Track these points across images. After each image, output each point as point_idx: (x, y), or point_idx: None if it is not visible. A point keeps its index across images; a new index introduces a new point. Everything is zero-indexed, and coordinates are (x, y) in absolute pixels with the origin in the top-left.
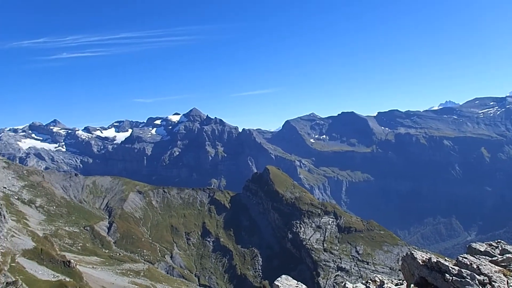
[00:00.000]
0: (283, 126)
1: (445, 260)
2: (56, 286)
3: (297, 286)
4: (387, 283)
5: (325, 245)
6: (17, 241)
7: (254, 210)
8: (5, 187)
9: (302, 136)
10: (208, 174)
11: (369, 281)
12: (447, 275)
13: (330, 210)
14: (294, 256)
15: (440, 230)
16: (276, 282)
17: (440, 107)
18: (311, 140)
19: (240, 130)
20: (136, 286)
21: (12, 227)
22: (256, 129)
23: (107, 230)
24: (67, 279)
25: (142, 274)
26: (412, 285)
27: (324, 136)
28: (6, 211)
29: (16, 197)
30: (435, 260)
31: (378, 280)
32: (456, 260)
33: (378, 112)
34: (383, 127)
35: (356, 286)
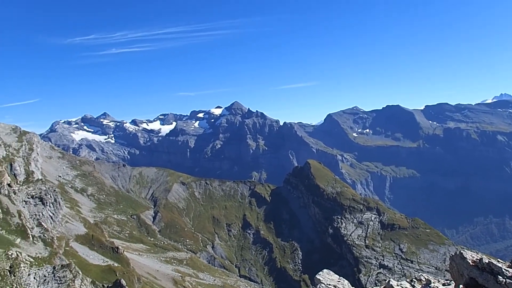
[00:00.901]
0: (325, 119)
1: (498, 261)
2: (106, 270)
3: (339, 281)
4: (433, 283)
5: (367, 241)
6: (70, 227)
7: (294, 204)
8: (60, 176)
9: (345, 130)
10: (249, 167)
11: (414, 280)
12: (500, 277)
13: (373, 206)
14: (335, 251)
15: (491, 231)
16: (317, 276)
17: (494, 100)
18: (354, 134)
19: (281, 123)
20: (179, 274)
21: (66, 214)
22: (297, 123)
23: (152, 219)
24: (116, 265)
25: (184, 262)
26: (460, 286)
27: (367, 130)
28: (61, 198)
29: (69, 186)
30: (487, 261)
31: (424, 279)
32: (511, 262)
33: (425, 106)
34: (430, 121)
35: (401, 284)
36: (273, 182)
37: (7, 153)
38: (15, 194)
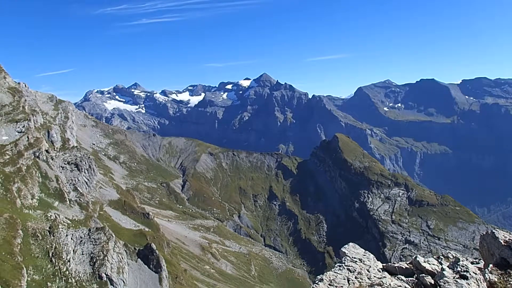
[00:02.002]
0: (355, 93)
1: None
2: (137, 234)
3: (364, 255)
4: (462, 260)
5: (393, 217)
6: (104, 192)
7: (321, 177)
8: (94, 144)
9: (375, 104)
10: (276, 139)
11: (441, 256)
12: None
13: (401, 181)
14: (360, 225)
15: None
16: (343, 249)
17: None
18: (385, 109)
19: (310, 96)
20: (207, 241)
21: (100, 180)
22: (327, 96)
23: (181, 188)
24: (146, 229)
25: (212, 230)
26: (490, 266)
27: (399, 105)
28: (95, 165)
29: (103, 153)
30: None
31: (452, 257)
32: None
33: (462, 80)
34: (467, 96)
35: (428, 260)
36: (300, 155)
37: (45, 120)
38: (52, 160)
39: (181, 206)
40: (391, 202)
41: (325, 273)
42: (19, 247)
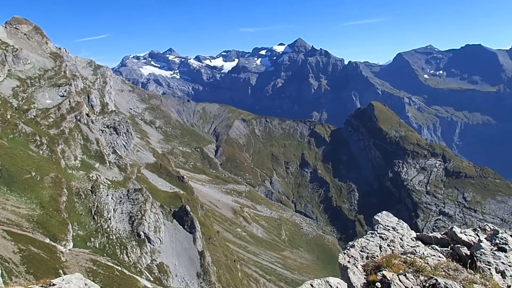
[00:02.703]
0: (394, 59)
1: None
2: (173, 196)
3: (398, 224)
4: (501, 233)
5: (428, 187)
6: (141, 155)
7: (354, 146)
8: (131, 108)
9: (415, 71)
10: (310, 106)
11: (478, 229)
12: None
13: (439, 152)
14: (393, 195)
15: None
16: (376, 217)
17: None
18: (425, 76)
19: (346, 62)
20: (239, 205)
21: (137, 144)
22: (363, 62)
23: (214, 153)
24: (181, 192)
25: (244, 195)
26: None
27: (440, 72)
28: (132, 129)
29: (139, 118)
30: None
31: (490, 229)
32: None
33: None
34: None
35: (465, 231)
36: (334, 123)
37: (84, 85)
38: (92, 123)
39: (214, 171)
40: (426, 173)
41: (357, 240)
42: (64, 205)
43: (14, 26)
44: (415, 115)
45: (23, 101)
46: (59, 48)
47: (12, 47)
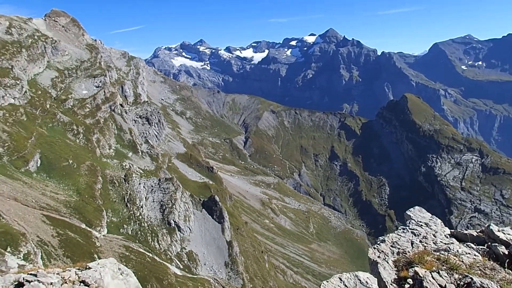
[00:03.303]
0: (429, 49)
1: None
2: (202, 186)
3: (431, 219)
4: None
5: (463, 183)
6: (172, 146)
7: (386, 139)
8: (162, 99)
9: (452, 62)
10: (340, 98)
11: None
12: None
13: (475, 147)
14: (426, 190)
15: None
16: (408, 212)
17: None
18: (463, 67)
19: (379, 53)
20: (267, 196)
21: (168, 134)
22: (397, 53)
23: (243, 144)
24: (210, 182)
25: (272, 186)
26: None
27: (480, 63)
28: (164, 119)
29: (171, 108)
30: None
31: None
32: None
33: None
34: None
35: (503, 230)
36: (365, 115)
37: (119, 76)
38: (126, 113)
39: (243, 162)
40: (462, 168)
41: (387, 235)
42: (99, 192)
43: (53, 18)
44: (451, 108)
45: (61, 91)
46: (95, 40)
47: (51, 39)
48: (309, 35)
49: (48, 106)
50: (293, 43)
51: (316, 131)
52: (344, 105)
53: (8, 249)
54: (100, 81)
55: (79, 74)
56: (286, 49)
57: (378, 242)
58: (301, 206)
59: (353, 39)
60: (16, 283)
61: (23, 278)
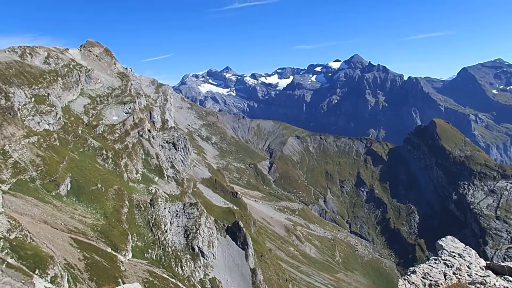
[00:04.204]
0: (458, 74)
1: None
2: (226, 211)
3: (464, 250)
4: None
5: (498, 212)
6: (197, 170)
7: (414, 165)
8: (189, 125)
9: (482, 86)
10: (366, 123)
11: None
12: None
13: (510, 173)
14: (458, 219)
15: None
16: (440, 242)
17: None
18: (493, 91)
19: (405, 78)
20: (291, 223)
21: (194, 159)
22: (425, 77)
23: (268, 169)
24: (235, 207)
25: (297, 213)
26: None
27: (511, 87)
28: (190, 144)
29: (197, 134)
30: None
31: None
32: None
33: None
34: None
35: None
36: (392, 141)
37: (147, 102)
38: (153, 138)
39: (267, 188)
40: (496, 196)
41: (419, 265)
42: (125, 216)
43: (88, 48)
44: (482, 133)
45: (93, 117)
46: (126, 68)
47: (85, 68)
48: (334, 61)
49: (80, 131)
50: (318, 69)
51: (341, 157)
52: (370, 130)
53: (37, 271)
54: (130, 108)
55: (110, 101)
56: (311, 75)
57: (409, 273)
58: (326, 233)
59: (378, 64)
60: None
61: None
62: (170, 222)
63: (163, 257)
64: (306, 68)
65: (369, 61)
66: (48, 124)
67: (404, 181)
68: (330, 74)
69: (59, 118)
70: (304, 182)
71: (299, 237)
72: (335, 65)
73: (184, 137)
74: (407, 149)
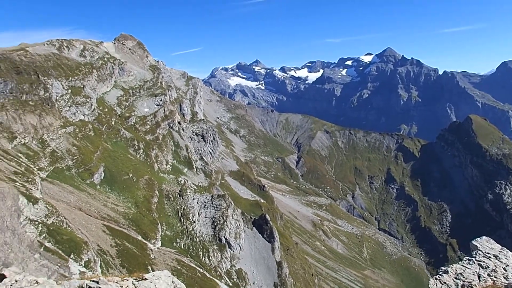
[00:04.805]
0: (497, 68)
1: None
2: (253, 204)
3: (500, 251)
4: None
5: None
6: (225, 163)
7: (447, 162)
8: (218, 118)
9: None
10: (398, 119)
11: None
12: None
13: None
14: (493, 219)
15: None
16: (474, 242)
17: None
18: None
19: (440, 72)
20: (318, 218)
21: (222, 151)
22: (461, 72)
23: (295, 164)
24: (262, 201)
25: (324, 208)
26: None
27: None
28: (219, 137)
29: (225, 127)
30: None
31: None
32: None
33: None
34: None
35: None
36: (424, 137)
37: (178, 95)
38: (183, 130)
39: (295, 182)
40: None
41: (451, 265)
42: (155, 205)
43: (121, 42)
44: None
45: (125, 109)
46: (157, 61)
47: (118, 60)
48: (366, 55)
49: (113, 122)
50: (349, 62)
51: (371, 153)
52: (402, 126)
53: (72, 255)
54: (161, 100)
55: (142, 93)
56: (341, 69)
57: (440, 273)
58: (354, 229)
59: (412, 58)
60: None
61: (86, 284)
62: (198, 213)
63: (191, 247)
64: (336, 62)
65: (402, 55)
66: (83, 115)
67: (436, 179)
68: (361, 68)
69: (94, 109)
70: (332, 177)
71: (326, 232)
72: (367, 59)
73: (213, 130)
74: (440, 145)
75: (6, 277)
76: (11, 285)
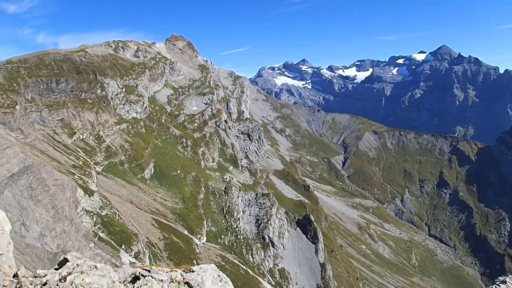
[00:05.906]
0: None
1: None
2: (297, 204)
3: None
4: None
5: None
6: (270, 162)
7: (507, 167)
8: (263, 117)
9: None
10: (453, 120)
11: None
12: None
13: None
14: None
15: None
16: None
17: None
18: None
19: (501, 71)
20: (365, 221)
21: (267, 150)
22: None
23: (341, 164)
24: (306, 201)
25: (371, 210)
26: None
27: None
28: (264, 136)
29: (271, 126)
30: None
31: None
32: None
33: None
34: None
35: None
36: (482, 140)
37: (225, 94)
38: (229, 129)
39: (340, 183)
40: None
41: (510, 276)
42: (201, 202)
43: (172, 42)
44: None
45: (175, 107)
46: (206, 61)
47: (169, 60)
48: (419, 53)
49: (163, 120)
50: (400, 61)
51: (422, 155)
52: (457, 128)
53: (123, 246)
54: (209, 99)
55: (190, 92)
56: (392, 68)
57: (498, 283)
58: (402, 234)
59: (469, 56)
60: (133, 276)
61: (139, 273)
62: (243, 211)
63: (235, 244)
64: (387, 60)
65: (459, 53)
66: (136, 113)
67: (494, 185)
68: (414, 67)
69: (146, 107)
70: (380, 179)
71: (372, 236)
72: (420, 57)
73: (259, 129)
74: (499, 149)
75: (69, 261)
76: (73, 268)
